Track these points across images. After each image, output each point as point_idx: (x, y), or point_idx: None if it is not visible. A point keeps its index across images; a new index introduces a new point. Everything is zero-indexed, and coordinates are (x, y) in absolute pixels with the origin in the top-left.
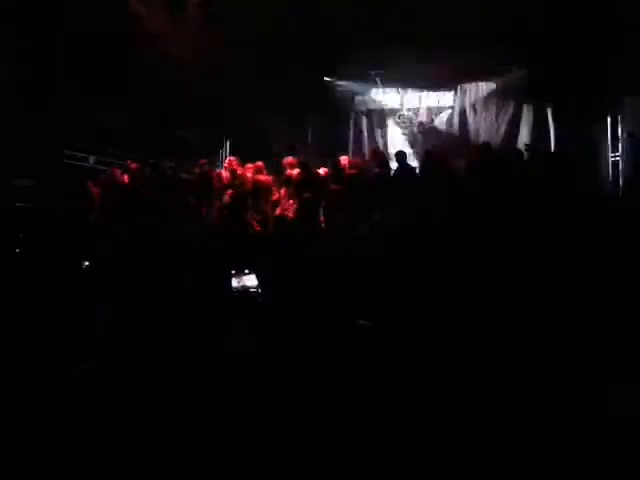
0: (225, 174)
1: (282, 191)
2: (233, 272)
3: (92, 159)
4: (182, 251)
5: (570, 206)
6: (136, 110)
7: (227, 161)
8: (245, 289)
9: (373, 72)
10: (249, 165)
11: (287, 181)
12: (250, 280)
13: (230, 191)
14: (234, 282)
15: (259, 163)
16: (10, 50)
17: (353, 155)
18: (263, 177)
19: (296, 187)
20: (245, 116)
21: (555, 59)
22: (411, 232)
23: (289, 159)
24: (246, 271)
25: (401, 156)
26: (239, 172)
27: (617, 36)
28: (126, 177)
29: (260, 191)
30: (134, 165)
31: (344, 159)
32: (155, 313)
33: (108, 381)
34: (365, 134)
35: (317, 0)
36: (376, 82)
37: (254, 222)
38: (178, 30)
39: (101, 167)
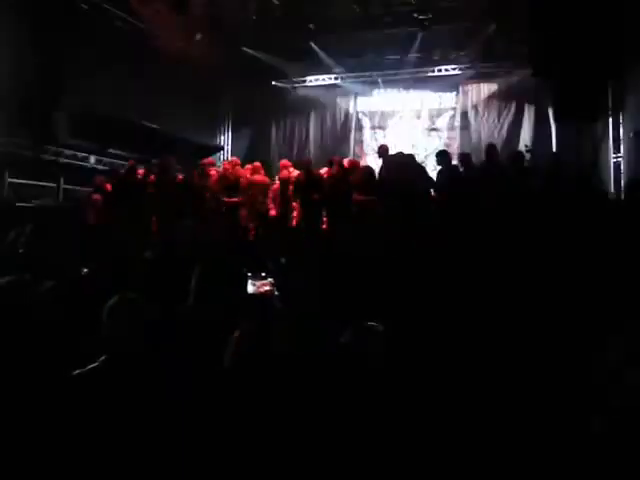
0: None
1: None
2: (249, 275)
3: (93, 159)
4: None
5: (572, 209)
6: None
7: (229, 161)
8: (261, 294)
9: (375, 73)
10: (248, 166)
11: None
12: (265, 285)
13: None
14: (250, 287)
15: (257, 163)
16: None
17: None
18: (259, 177)
19: (297, 188)
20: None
21: (557, 60)
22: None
23: (285, 161)
24: (262, 274)
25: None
26: (230, 172)
27: (620, 35)
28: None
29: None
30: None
31: (346, 160)
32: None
33: (113, 381)
34: (367, 134)
35: None
36: (378, 83)
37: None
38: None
39: (101, 167)
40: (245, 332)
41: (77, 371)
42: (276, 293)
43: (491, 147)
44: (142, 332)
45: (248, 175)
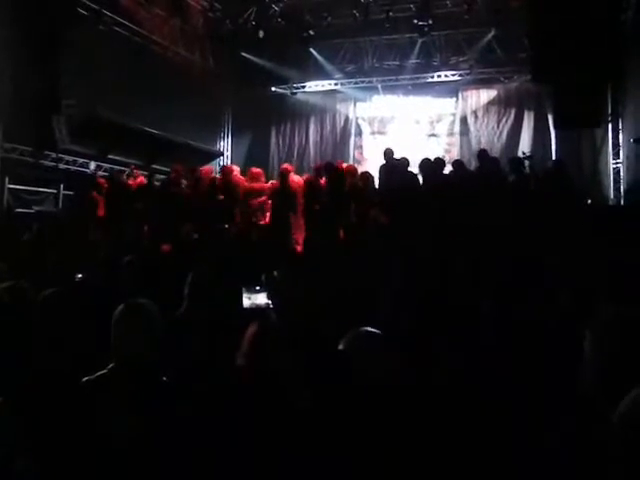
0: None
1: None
2: (244, 289)
3: (93, 165)
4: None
5: (571, 217)
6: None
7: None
8: (257, 307)
9: (375, 79)
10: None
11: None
12: (261, 298)
13: None
14: (245, 300)
15: (255, 169)
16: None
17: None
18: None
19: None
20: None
21: (556, 65)
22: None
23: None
24: (257, 287)
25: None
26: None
27: (619, 42)
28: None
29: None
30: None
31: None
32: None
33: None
34: (366, 140)
35: None
36: (378, 89)
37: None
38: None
39: (101, 173)
40: (259, 330)
41: (85, 378)
42: (271, 306)
43: (482, 152)
44: (156, 339)
45: (245, 183)
